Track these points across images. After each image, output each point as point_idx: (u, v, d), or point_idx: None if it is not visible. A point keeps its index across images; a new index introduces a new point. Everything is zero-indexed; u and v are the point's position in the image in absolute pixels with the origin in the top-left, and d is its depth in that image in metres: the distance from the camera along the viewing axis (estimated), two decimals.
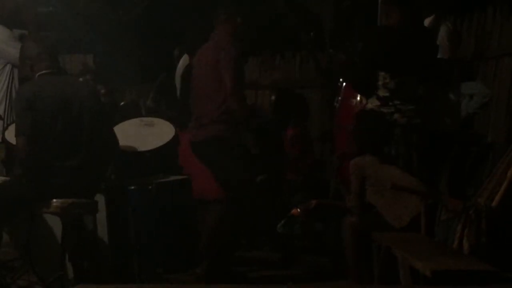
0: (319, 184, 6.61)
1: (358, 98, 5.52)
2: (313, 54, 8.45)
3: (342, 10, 9.78)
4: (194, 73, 5.45)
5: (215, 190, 5.28)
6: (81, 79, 6.83)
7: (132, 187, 4.75)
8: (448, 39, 5.41)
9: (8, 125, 5.33)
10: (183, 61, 6.80)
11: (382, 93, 5.06)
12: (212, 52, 5.20)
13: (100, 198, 4.73)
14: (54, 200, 4.40)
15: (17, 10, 5.76)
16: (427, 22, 5.47)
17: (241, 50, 5.27)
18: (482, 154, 6.02)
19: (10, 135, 4.77)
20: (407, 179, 4.67)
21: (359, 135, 4.98)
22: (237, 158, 5.17)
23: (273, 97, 7.32)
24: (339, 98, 5.85)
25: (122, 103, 6.84)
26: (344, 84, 5.76)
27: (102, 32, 10.65)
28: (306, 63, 9.43)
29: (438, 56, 5.45)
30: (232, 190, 5.11)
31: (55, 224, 4.54)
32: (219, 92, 5.12)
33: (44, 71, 4.65)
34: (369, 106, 5.14)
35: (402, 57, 5.03)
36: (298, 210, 5.12)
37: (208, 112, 5.18)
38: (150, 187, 4.72)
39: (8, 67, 5.63)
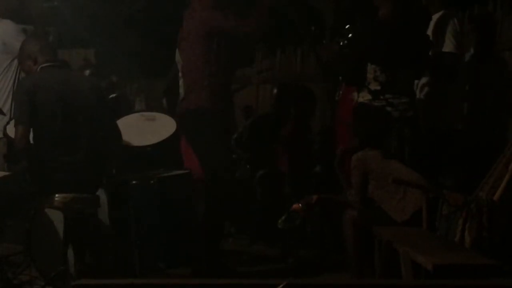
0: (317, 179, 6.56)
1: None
2: (314, 49, 8.42)
3: (343, 5, 9.76)
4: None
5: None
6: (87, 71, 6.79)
7: (134, 182, 4.76)
8: (452, 34, 5.39)
9: (10, 119, 5.33)
10: None
11: (373, 86, 5.05)
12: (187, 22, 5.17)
13: (102, 193, 4.74)
14: (56, 195, 4.40)
15: (22, 5, 5.77)
16: (435, 17, 5.45)
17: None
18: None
19: (12, 130, 4.77)
20: (409, 174, 4.67)
21: (358, 130, 4.98)
22: (215, 132, 5.08)
23: (274, 91, 7.23)
24: (340, 92, 5.84)
25: (112, 95, 6.72)
26: None
27: (103, 27, 10.65)
28: (307, 57, 9.41)
29: (445, 50, 5.41)
30: (210, 167, 5.05)
31: (57, 219, 4.54)
32: (194, 60, 5.09)
33: (46, 64, 4.65)
34: (360, 100, 5.14)
35: (393, 50, 5.01)
36: (299, 205, 5.10)
37: (190, 83, 5.15)
38: (151, 181, 4.73)
39: (15, 62, 5.62)
